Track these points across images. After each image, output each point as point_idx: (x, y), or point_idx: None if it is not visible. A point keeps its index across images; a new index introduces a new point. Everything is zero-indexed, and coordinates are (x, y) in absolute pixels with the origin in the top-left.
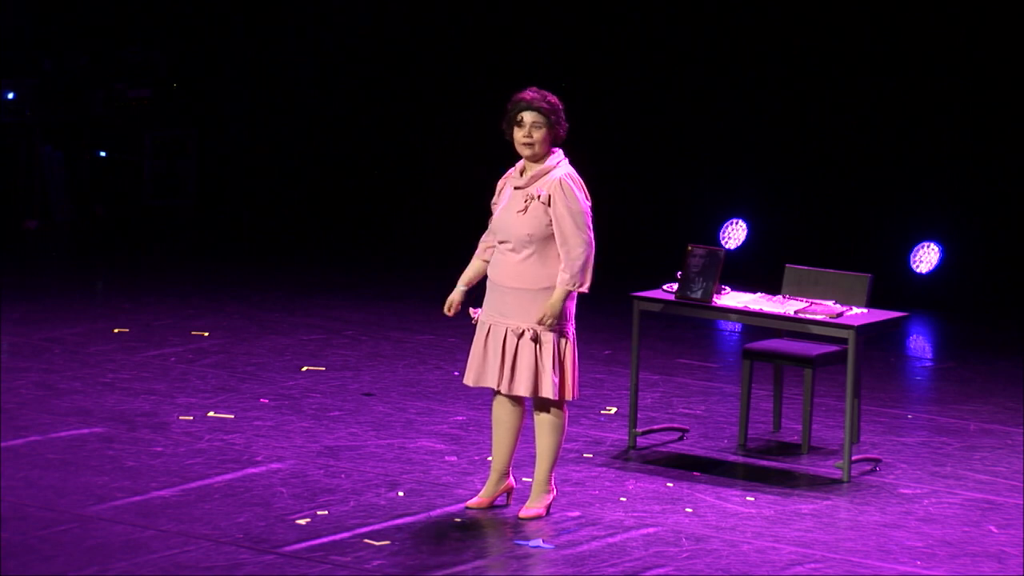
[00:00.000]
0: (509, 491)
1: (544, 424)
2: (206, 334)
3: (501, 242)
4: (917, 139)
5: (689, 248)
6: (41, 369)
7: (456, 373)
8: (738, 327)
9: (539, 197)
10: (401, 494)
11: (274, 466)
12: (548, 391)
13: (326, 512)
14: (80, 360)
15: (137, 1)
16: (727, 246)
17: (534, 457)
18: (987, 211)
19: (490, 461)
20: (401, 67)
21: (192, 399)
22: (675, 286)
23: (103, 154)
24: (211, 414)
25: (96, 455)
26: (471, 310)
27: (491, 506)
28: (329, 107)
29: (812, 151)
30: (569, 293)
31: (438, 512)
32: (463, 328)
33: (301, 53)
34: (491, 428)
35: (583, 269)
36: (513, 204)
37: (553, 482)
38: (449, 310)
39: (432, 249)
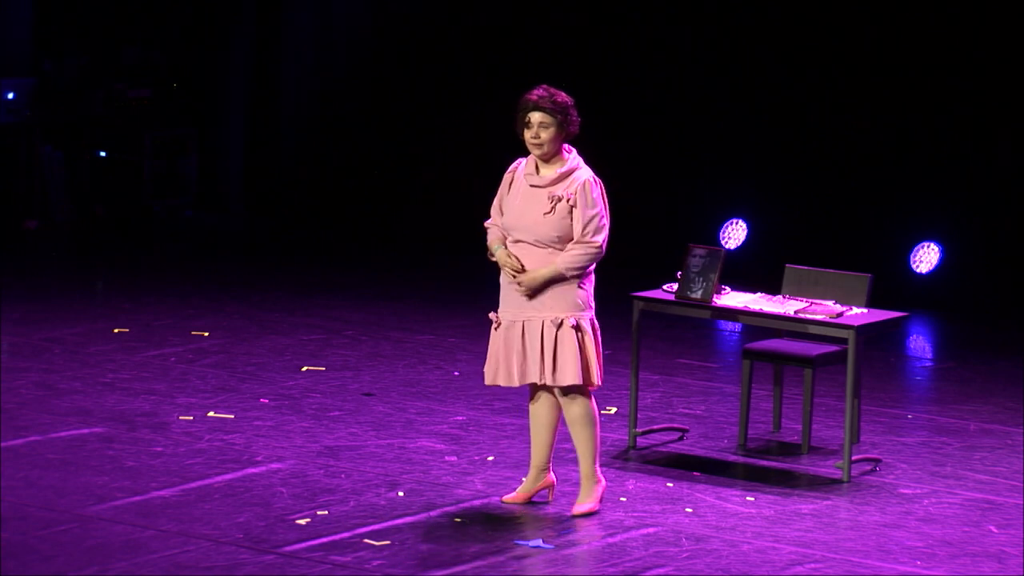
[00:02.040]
0: (550, 487)
1: (577, 419)
2: (206, 334)
3: (519, 240)
4: (917, 139)
5: (689, 248)
6: (41, 369)
7: (456, 373)
8: (738, 327)
9: (568, 200)
10: (401, 494)
11: (274, 466)
12: (595, 378)
13: (326, 512)
14: (80, 360)
15: (137, 1)
16: (727, 246)
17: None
18: (987, 211)
19: (491, 460)
20: (401, 67)
21: (192, 399)
22: (675, 286)
23: (103, 154)
24: (211, 414)
25: (96, 455)
26: (491, 315)
27: (529, 502)
28: (329, 107)
29: (812, 151)
30: (557, 276)
31: (438, 512)
32: (463, 328)
33: (301, 53)
34: (528, 425)
35: (582, 266)
36: (535, 204)
37: (599, 472)
38: (508, 262)
39: (432, 249)
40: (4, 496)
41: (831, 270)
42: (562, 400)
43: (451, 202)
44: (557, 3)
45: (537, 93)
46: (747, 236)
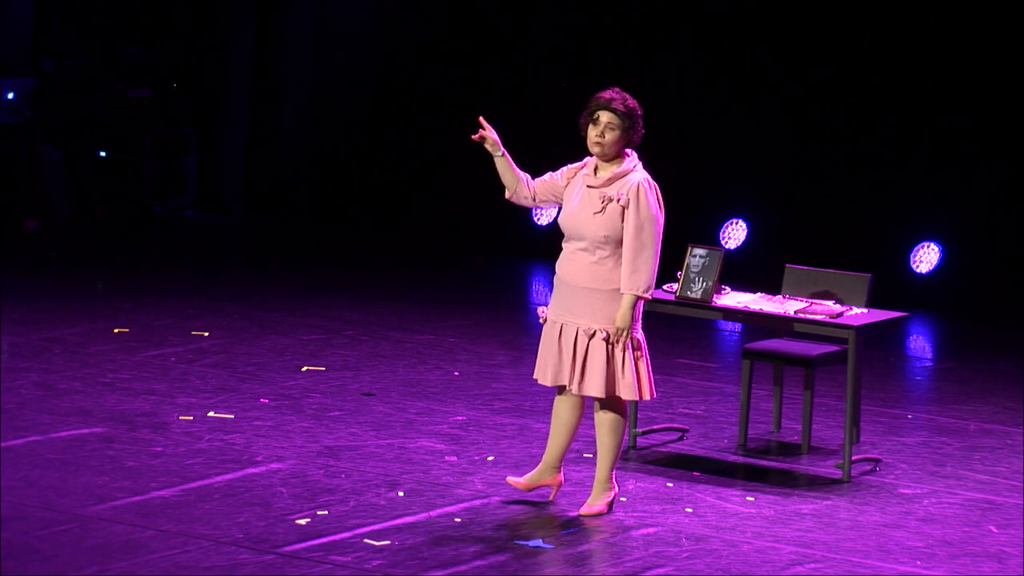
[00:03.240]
0: (557, 486)
1: (605, 424)
2: (206, 334)
3: (571, 240)
4: (917, 139)
5: (689, 248)
6: (41, 369)
7: (456, 373)
8: (738, 327)
9: (619, 200)
10: (401, 494)
11: (274, 466)
12: (626, 392)
13: (326, 512)
14: (80, 360)
15: (137, 1)
16: (727, 246)
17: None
18: (987, 211)
19: (491, 460)
20: (401, 67)
21: (192, 399)
22: (675, 286)
23: (103, 154)
24: (211, 414)
25: (96, 455)
26: (539, 309)
27: (528, 491)
28: (329, 107)
29: (812, 151)
30: (636, 300)
31: (438, 512)
32: (463, 328)
33: (301, 53)
34: (550, 422)
35: (648, 276)
36: (588, 204)
37: (614, 479)
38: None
39: (432, 249)
40: (4, 496)
41: (831, 270)
42: (596, 402)
43: (451, 202)
44: (557, 3)
45: (610, 94)
46: (747, 236)
